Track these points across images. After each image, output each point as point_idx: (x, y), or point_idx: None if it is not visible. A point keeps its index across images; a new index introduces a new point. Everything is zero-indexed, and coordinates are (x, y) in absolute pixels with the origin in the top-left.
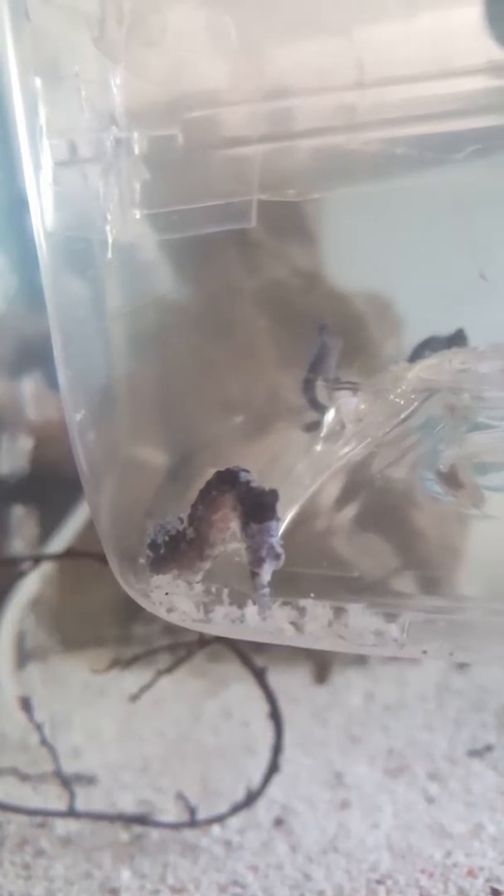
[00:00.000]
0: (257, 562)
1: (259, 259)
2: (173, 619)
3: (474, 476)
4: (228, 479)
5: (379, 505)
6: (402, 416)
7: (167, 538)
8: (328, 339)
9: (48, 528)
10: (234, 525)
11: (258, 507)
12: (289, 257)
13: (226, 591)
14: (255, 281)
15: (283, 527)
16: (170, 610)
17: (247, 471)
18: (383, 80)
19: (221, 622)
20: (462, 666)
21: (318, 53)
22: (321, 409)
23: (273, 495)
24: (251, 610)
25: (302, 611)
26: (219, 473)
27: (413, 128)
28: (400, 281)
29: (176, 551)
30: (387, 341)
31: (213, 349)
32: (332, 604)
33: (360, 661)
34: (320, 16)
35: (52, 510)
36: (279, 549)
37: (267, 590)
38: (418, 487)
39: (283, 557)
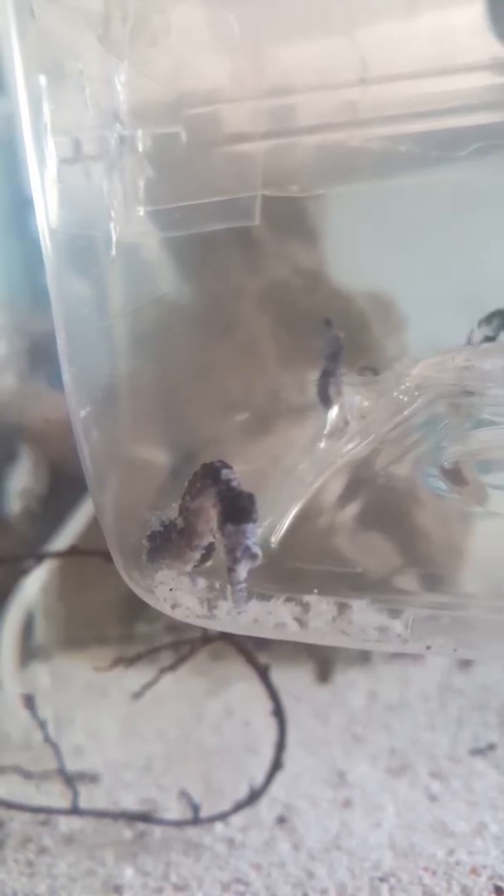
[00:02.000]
0: (232, 561)
1: (261, 258)
2: (177, 615)
3: (478, 473)
4: (210, 474)
5: (382, 502)
6: (406, 413)
7: (161, 529)
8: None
9: (52, 526)
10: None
11: (235, 508)
12: (291, 256)
13: (228, 588)
14: (257, 280)
15: (285, 524)
16: (174, 606)
17: (230, 467)
18: (386, 76)
19: (225, 618)
20: (464, 665)
21: (320, 51)
22: (330, 405)
23: (250, 500)
24: (254, 606)
25: (306, 606)
26: (203, 466)
27: (416, 125)
28: (402, 279)
29: (168, 541)
30: (389, 340)
31: (215, 348)
32: (336, 600)
33: (363, 660)
34: (323, 13)
35: (55, 508)
36: (255, 551)
37: (243, 585)
38: (422, 485)
39: (259, 558)
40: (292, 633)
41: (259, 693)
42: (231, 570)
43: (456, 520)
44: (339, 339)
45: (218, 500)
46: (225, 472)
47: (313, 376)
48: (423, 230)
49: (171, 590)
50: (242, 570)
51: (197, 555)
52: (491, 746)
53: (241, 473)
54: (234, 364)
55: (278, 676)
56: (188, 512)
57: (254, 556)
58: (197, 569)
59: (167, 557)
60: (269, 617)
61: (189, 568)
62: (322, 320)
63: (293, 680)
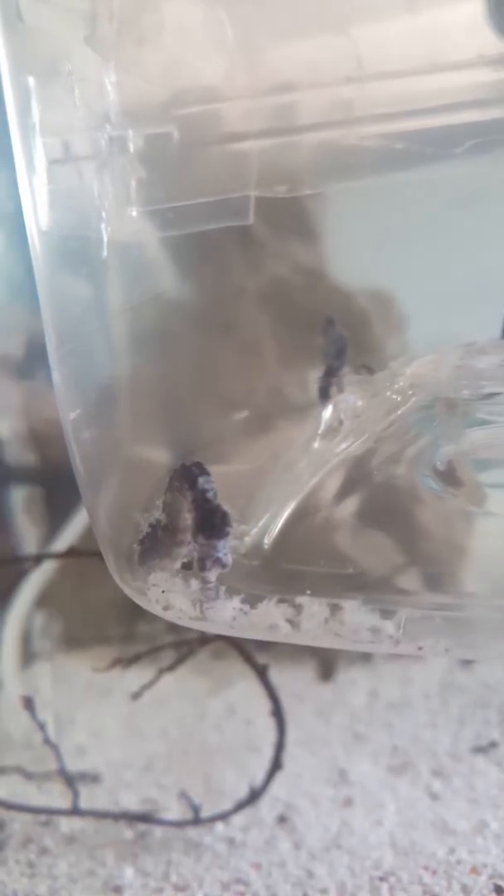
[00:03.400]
0: (201, 568)
1: (261, 256)
2: (170, 616)
3: (474, 473)
4: (188, 479)
5: (382, 501)
6: (400, 412)
7: (149, 529)
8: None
9: (52, 526)
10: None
11: (208, 523)
12: (291, 254)
13: (222, 588)
14: (257, 278)
15: (278, 525)
16: (166, 608)
17: (207, 473)
18: (381, 74)
19: (218, 620)
20: (466, 663)
21: (314, 48)
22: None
23: (223, 519)
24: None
25: (298, 608)
26: (181, 467)
27: (411, 122)
28: (402, 277)
29: (154, 539)
30: (390, 338)
31: (215, 347)
32: (329, 601)
33: (365, 658)
34: (318, 11)
35: (55, 509)
36: (225, 561)
37: (212, 584)
38: (420, 484)
39: (229, 565)
40: (284, 634)
41: (260, 692)
42: (201, 572)
43: (458, 518)
44: (343, 337)
45: (193, 507)
46: (202, 479)
47: (314, 375)
48: (422, 228)
49: (163, 592)
50: (212, 575)
51: (183, 550)
52: (492, 744)
53: (241, 473)
54: (235, 363)
55: (280, 676)
56: (169, 507)
57: (224, 566)
58: (189, 570)
59: (156, 557)
60: (261, 619)
61: (178, 564)
62: (325, 318)
63: (295, 679)
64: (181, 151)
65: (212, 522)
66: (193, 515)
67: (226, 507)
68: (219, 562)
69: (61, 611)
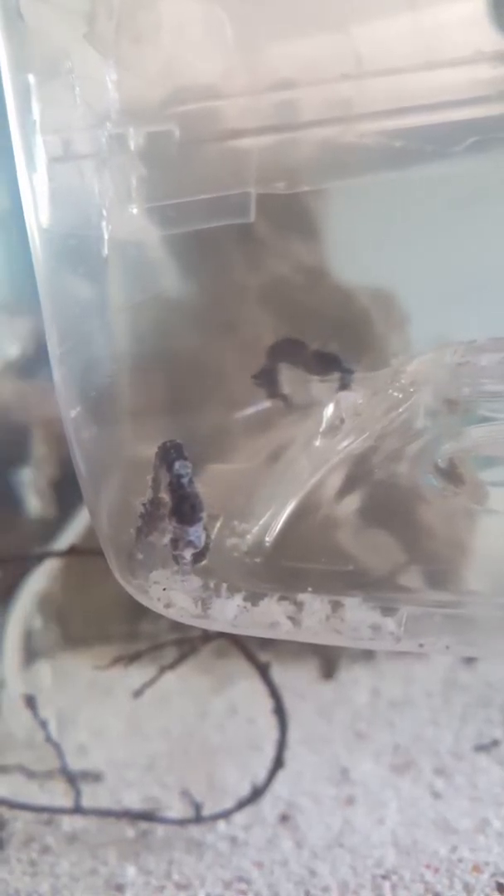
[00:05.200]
0: (174, 547)
1: (262, 255)
2: (171, 614)
3: (476, 471)
4: (166, 459)
5: (385, 499)
6: (401, 409)
7: (142, 508)
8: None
9: (54, 525)
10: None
11: (180, 511)
12: (292, 253)
13: (224, 585)
14: (258, 277)
15: (280, 522)
16: (167, 605)
17: (185, 458)
18: (381, 71)
19: (219, 617)
20: (468, 661)
21: (313, 46)
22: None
23: (192, 509)
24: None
25: (299, 605)
26: (162, 446)
27: (410, 119)
28: (404, 275)
29: (144, 515)
30: (392, 336)
31: (215, 345)
32: (330, 598)
33: (367, 657)
34: (315, 8)
35: (58, 507)
36: (197, 543)
37: (186, 561)
38: (422, 482)
39: (200, 546)
40: (286, 631)
41: (262, 690)
42: (174, 552)
43: (459, 516)
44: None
45: (169, 490)
46: (178, 464)
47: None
48: (423, 226)
49: (164, 589)
50: (185, 554)
51: (168, 525)
52: (495, 743)
53: (242, 471)
54: (236, 361)
55: (282, 674)
56: (154, 481)
57: (196, 547)
58: (191, 567)
59: (147, 533)
60: (263, 616)
61: (167, 539)
62: (298, 344)
63: (297, 677)
64: (181, 149)
65: (182, 510)
66: (169, 496)
67: (199, 490)
68: (191, 544)
69: (63, 609)
